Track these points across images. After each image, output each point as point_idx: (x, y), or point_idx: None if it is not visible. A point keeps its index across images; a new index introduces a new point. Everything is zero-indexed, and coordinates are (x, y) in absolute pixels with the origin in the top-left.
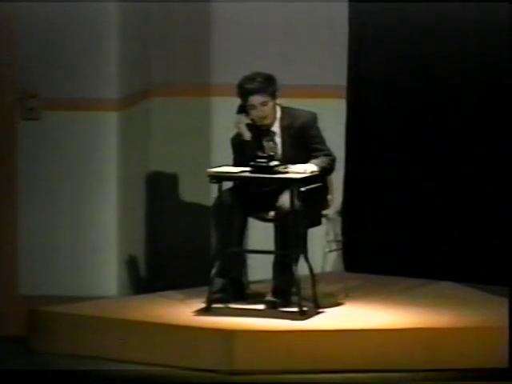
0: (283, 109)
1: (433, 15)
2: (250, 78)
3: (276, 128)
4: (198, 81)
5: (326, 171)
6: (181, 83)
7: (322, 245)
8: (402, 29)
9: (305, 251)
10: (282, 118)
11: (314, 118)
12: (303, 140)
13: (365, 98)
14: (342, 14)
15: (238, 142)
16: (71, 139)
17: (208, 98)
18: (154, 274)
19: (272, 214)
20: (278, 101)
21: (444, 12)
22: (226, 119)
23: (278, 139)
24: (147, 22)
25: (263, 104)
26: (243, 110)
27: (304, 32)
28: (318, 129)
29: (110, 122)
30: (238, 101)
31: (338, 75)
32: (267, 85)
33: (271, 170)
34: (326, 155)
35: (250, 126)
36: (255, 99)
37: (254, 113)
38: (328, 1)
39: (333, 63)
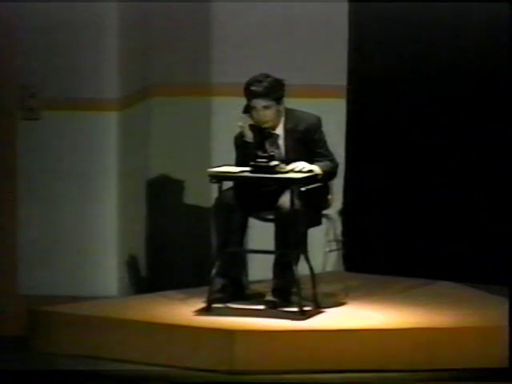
0: (287, 111)
1: (433, 15)
2: (257, 80)
3: (280, 131)
4: (197, 81)
5: (328, 176)
6: (181, 83)
7: (322, 245)
8: (401, 29)
9: (305, 251)
10: (286, 121)
11: (318, 122)
12: (307, 144)
13: (365, 97)
14: (341, 14)
15: (240, 142)
16: (71, 139)
17: (208, 97)
18: (154, 274)
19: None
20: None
21: (444, 12)
22: (225, 119)
23: (281, 142)
24: (147, 22)
25: (265, 108)
26: (249, 110)
27: (304, 32)
28: (321, 133)
29: (110, 122)
30: (238, 100)
31: (338, 75)
32: (273, 89)
33: (271, 170)
34: (329, 160)
35: (253, 127)
36: (258, 102)
37: (255, 115)
38: (328, 1)
39: (333, 63)
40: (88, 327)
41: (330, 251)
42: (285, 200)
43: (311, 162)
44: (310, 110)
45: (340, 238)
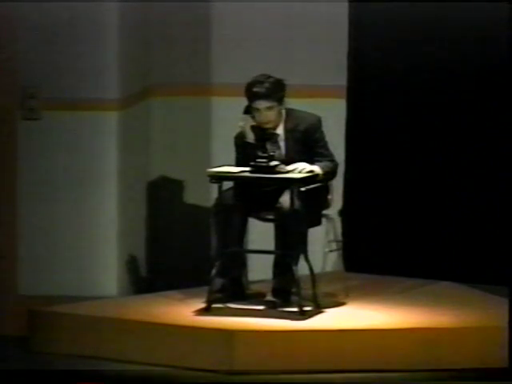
0: (288, 111)
1: (433, 15)
2: (259, 81)
3: (280, 130)
4: (198, 81)
5: (328, 176)
6: (181, 83)
7: (322, 245)
8: (401, 29)
9: (305, 251)
10: (286, 121)
11: (318, 122)
12: (307, 143)
13: (365, 98)
14: (342, 14)
15: (241, 142)
16: (71, 139)
17: (208, 97)
18: (154, 273)
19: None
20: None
21: (444, 12)
22: (225, 119)
23: (281, 142)
24: (147, 22)
25: (268, 109)
26: (250, 111)
27: (304, 32)
28: (322, 133)
29: (110, 122)
30: (238, 100)
31: (338, 75)
32: (275, 90)
33: (271, 170)
34: (329, 161)
35: (254, 128)
36: (260, 103)
37: (257, 116)
38: (328, 1)
39: (333, 63)
40: (88, 327)
41: (330, 251)
42: (285, 200)
43: (311, 162)
44: (309, 110)
45: (340, 238)
